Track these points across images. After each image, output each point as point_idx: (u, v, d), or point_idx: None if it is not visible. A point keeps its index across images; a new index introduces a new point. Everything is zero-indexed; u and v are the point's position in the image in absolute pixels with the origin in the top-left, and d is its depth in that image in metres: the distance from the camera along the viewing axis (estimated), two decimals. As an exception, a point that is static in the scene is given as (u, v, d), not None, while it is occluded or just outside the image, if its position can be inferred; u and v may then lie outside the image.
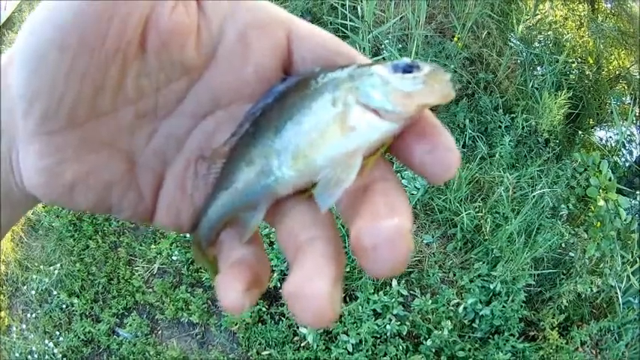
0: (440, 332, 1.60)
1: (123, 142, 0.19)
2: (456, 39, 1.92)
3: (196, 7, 0.18)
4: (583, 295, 1.94)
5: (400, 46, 1.81)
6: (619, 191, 2.04)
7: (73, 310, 1.85)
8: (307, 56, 0.19)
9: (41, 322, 1.89)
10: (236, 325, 1.62)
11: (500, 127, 1.84)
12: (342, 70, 0.18)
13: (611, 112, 2.17)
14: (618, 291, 1.98)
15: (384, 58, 1.70)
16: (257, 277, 0.18)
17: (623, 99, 2.44)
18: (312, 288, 0.15)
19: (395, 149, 0.18)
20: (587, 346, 1.93)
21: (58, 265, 1.92)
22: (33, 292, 1.94)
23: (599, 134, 2.36)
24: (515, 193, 1.71)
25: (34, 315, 1.92)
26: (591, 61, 2.31)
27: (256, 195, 0.19)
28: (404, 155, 0.18)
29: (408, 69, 0.17)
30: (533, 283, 1.79)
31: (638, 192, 2.34)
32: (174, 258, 1.75)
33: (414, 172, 0.18)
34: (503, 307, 1.70)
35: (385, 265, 0.15)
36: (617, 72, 2.45)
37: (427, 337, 1.62)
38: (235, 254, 0.19)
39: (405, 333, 1.62)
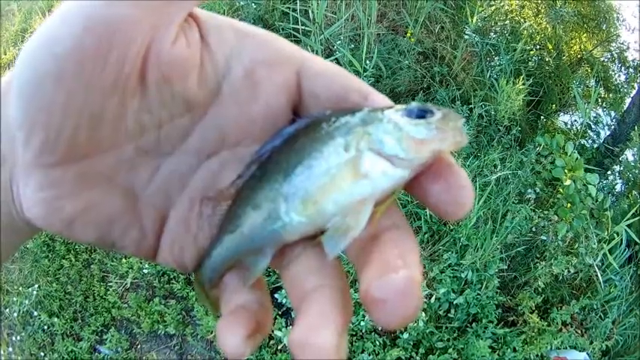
0: (415, 324, 1.61)
1: (123, 178, 0.18)
2: (408, 34, 1.95)
3: (199, 39, 0.18)
4: (560, 277, 1.95)
5: (352, 46, 1.84)
6: (589, 171, 2.06)
7: (55, 331, 1.86)
8: (319, 93, 0.19)
9: (26, 345, 1.91)
10: (212, 333, 1.63)
11: (458, 117, 1.86)
12: (353, 114, 0.18)
13: (575, 97, 2.19)
14: (597, 269, 1.99)
15: (336, 59, 1.74)
16: (259, 324, 0.18)
17: (587, 82, 2.47)
18: (318, 339, 0.15)
19: (410, 188, 0.18)
20: (572, 327, 1.93)
21: (36, 286, 1.94)
22: (15, 314, 1.96)
23: (564, 119, 2.39)
24: (479, 180, 1.73)
25: (18, 338, 1.94)
26: (551, 47, 2.35)
27: (262, 240, 0.18)
28: (419, 194, 0.18)
29: (420, 114, 0.17)
30: (505, 267, 1.80)
31: (609, 172, 2.37)
32: (145, 271, 1.77)
33: (430, 209, 0.18)
34: (478, 294, 1.71)
35: (395, 318, 0.15)
36: (579, 56, 2.48)
37: (403, 330, 1.63)
38: (238, 299, 0.19)
39: (380, 328, 1.63)
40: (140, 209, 0.19)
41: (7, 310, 2.01)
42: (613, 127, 2.36)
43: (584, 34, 2.56)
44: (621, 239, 2.12)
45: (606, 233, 2.07)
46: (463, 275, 1.69)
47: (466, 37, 2.03)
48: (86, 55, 0.15)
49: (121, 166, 0.18)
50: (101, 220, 0.18)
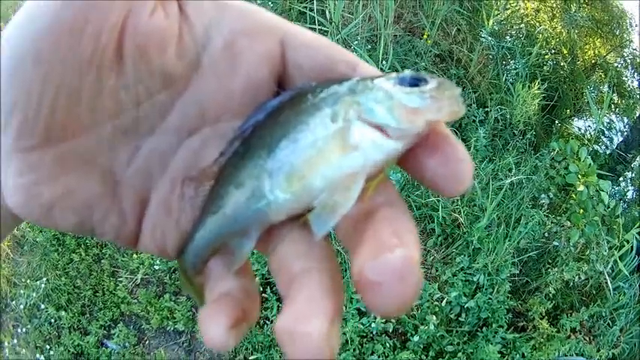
0: (426, 328, 1.61)
1: (102, 160, 0.17)
2: (425, 36, 1.95)
3: (178, 10, 0.17)
4: (571, 283, 1.95)
5: (369, 46, 1.83)
6: (601, 177, 2.05)
7: (62, 324, 1.86)
8: (304, 64, 0.18)
9: (31, 337, 1.90)
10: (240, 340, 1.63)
11: (474, 121, 1.86)
12: (341, 83, 0.17)
13: (588, 102, 2.19)
14: (607, 277, 1.99)
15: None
16: (244, 313, 0.17)
17: (601, 87, 2.46)
18: (307, 327, 0.14)
19: (404, 162, 0.17)
20: (580, 333, 1.93)
21: (44, 279, 1.93)
22: (22, 307, 1.95)
23: (578, 124, 2.38)
24: (494, 183, 1.72)
25: (24, 330, 1.93)
26: (565, 52, 2.34)
27: (246, 221, 0.17)
28: (414, 169, 0.17)
29: (414, 82, 0.16)
30: (517, 272, 1.80)
31: (621, 178, 2.36)
32: (156, 267, 1.77)
33: (426, 186, 0.17)
34: (489, 299, 1.70)
35: (392, 302, 0.14)
36: (593, 61, 2.47)
37: (414, 333, 1.62)
38: (222, 286, 0.18)
39: (391, 330, 1.63)
40: (120, 193, 0.18)
41: (14, 302, 2.00)
42: (626, 133, 2.35)
43: (598, 40, 2.55)
44: (631, 246, 2.12)
45: (617, 240, 2.07)
46: (475, 279, 1.68)
47: (482, 40, 2.02)
48: (62, 29, 0.15)
49: (100, 148, 0.17)
50: (80, 204, 0.17)
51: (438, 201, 1.67)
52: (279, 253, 0.17)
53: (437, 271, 1.71)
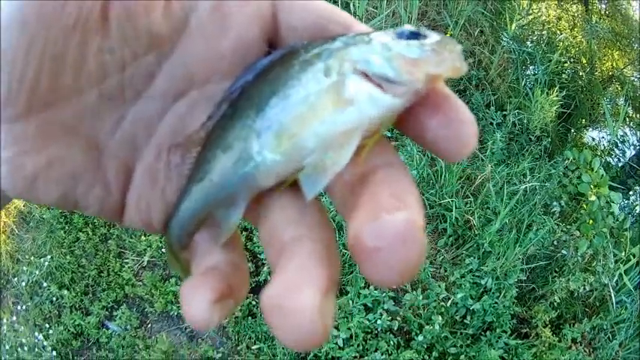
0: (431, 327, 1.60)
1: (86, 128, 0.17)
2: (448, 35, 1.94)
3: None
4: (576, 293, 1.94)
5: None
6: (612, 189, 2.05)
7: (63, 303, 1.84)
8: (298, 25, 0.17)
9: (31, 315, 1.88)
10: (226, 318, 1.62)
11: (491, 123, 1.86)
12: (335, 39, 0.16)
13: (604, 113, 2.18)
14: (611, 290, 1.99)
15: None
16: (231, 288, 0.16)
17: (617, 100, 2.46)
18: (298, 299, 0.13)
19: (404, 124, 0.16)
20: (581, 345, 1.93)
21: (49, 257, 1.92)
22: (23, 284, 1.93)
23: (592, 134, 2.38)
24: (508, 188, 1.72)
25: (24, 307, 1.91)
26: (584, 62, 2.34)
27: (234, 187, 0.16)
28: (414, 131, 0.16)
29: (413, 37, 0.15)
30: (524, 278, 1.79)
31: (631, 192, 2.36)
32: (164, 251, 1.75)
33: (427, 149, 0.16)
34: (495, 302, 1.70)
35: (392, 271, 0.12)
36: (610, 73, 2.47)
37: (418, 332, 1.62)
38: (209, 260, 0.17)
39: (396, 328, 1.62)
40: (104, 163, 0.17)
41: (16, 278, 1.99)
42: (638, 147, 2.36)
43: (617, 52, 2.55)
44: (637, 261, 2.12)
45: (624, 253, 2.07)
46: (483, 282, 1.68)
47: (503, 43, 2.01)
48: None
49: (84, 116, 0.17)
50: (64, 175, 0.17)
51: (452, 201, 1.67)
52: (269, 221, 0.16)
53: (445, 271, 1.71)
